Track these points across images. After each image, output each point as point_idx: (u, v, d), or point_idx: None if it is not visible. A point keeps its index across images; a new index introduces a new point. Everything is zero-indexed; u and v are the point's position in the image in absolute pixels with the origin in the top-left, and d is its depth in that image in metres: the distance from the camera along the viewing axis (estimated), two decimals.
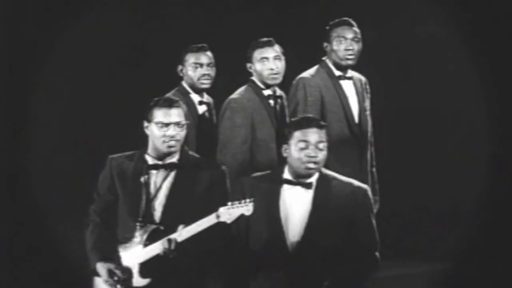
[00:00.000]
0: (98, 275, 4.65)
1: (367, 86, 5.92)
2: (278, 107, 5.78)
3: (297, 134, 4.62)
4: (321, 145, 4.61)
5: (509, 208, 6.57)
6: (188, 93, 5.89)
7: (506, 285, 6.21)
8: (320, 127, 4.63)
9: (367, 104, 5.88)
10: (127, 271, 4.58)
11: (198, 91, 5.91)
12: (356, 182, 4.72)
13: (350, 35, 5.70)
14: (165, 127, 4.67)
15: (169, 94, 5.82)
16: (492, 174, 6.70)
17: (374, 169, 5.91)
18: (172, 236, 4.51)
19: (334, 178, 4.69)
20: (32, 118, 6.52)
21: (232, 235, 4.63)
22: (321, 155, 4.62)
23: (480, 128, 6.94)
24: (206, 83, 5.87)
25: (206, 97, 5.97)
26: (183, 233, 4.50)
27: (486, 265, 6.35)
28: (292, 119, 4.83)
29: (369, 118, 5.86)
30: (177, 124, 4.69)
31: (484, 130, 6.87)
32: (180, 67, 5.89)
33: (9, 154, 6.39)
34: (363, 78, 5.91)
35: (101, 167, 4.86)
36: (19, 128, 6.45)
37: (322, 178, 4.66)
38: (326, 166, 5.40)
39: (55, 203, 6.50)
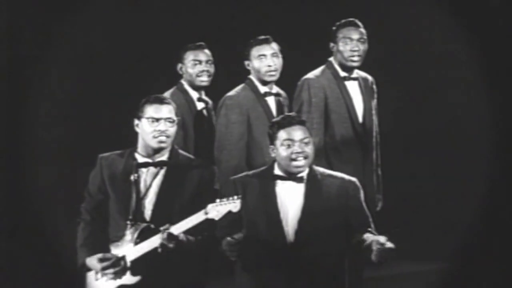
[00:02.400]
0: (87, 270, 4.66)
1: (374, 86, 5.90)
2: (275, 104, 5.79)
3: (281, 134, 4.67)
4: (306, 140, 4.66)
5: (510, 208, 6.52)
6: (187, 91, 5.95)
7: (505, 285, 6.17)
8: (301, 123, 4.69)
9: (374, 104, 5.86)
10: (118, 257, 4.58)
11: (197, 89, 5.96)
12: (346, 176, 4.79)
13: (356, 36, 5.69)
14: (156, 122, 4.68)
15: (168, 92, 5.91)
16: (493, 174, 6.65)
17: (379, 169, 5.90)
18: (168, 230, 4.50)
19: (324, 172, 4.77)
20: (30, 117, 6.52)
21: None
22: (308, 150, 4.67)
23: (484, 129, 6.89)
24: (205, 80, 5.94)
25: (205, 96, 6.02)
26: (172, 230, 4.50)
27: (486, 265, 6.31)
28: (273, 120, 4.88)
29: (375, 118, 5.85)
30: (168, 119, 4.70)
31: (488, 131, 6.82)
32: (179, 65, 5.97)
33: (9, 154, 6.41)
34: (370, 78, 5.89)
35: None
36: (18, 127, 6.46)
37: (312, 172, 4.72)
38: (330, 165, 5.48)
39: (55, 203, 6.51)
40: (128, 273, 4.59)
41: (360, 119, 5.76)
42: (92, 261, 4.62)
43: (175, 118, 4.73)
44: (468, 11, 6.65)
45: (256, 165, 5.42)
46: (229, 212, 4.49)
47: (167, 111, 4.71)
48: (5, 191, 6.36)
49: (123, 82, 6.78)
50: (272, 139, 4.70)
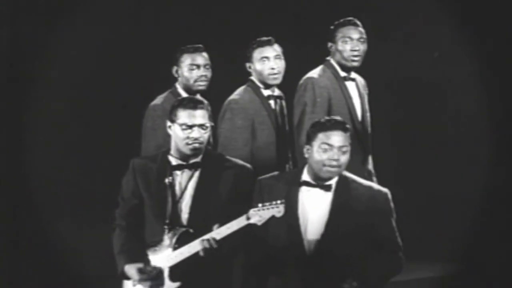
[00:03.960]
0: (126, 278, 4.53)
1: (366, 88, 5.91)
2: (277, 107, 5.74)
3: (320, 136, 4.51)
4: (344, 149, 4.51)
5: (509, 208, 6.63)
6: (181, 95, 5.72)
7: (505, 285, 6.25)
8: (344, 130, 4.53)
9: (367, 105, 5.87)
10: (158, 269, 4.47)
11: (192, 93, 5.76)
12: (376, 186, 4.68)
13: (356, 36, 5.64)
14: (189, 129, 4.55)
15: (161, 96, 5.74)
16: (493, 174, 6.75)
17: (372, 169, 5.90)
18: (210, 235, 4.39)
19: (354, 181, 4.62)
20: (31, 117, 6.41)
21: (253, 235, 4.53)
22: (344, 159, 4.52)
23: (480, 128, 7.00)
24: (202, 85, 5.72)
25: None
26: (213, 236, 4.40)
27: (486, 265, 6.39)
28: (317, 120, 4.67)
29: (369, 119, 5.85)
30: (201, 126, 4.57)
31: (485, 130, 6.93)
32: (175, 68, 5.74)
33: (9, 154, 6.30)
34: (362, 80, 5.90)
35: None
36: (19, 127, 6.36)
37: (342, 180, 4.58)
38: None
39: (55, 203, 6.41)
40: (167, 279, 4.47)
41: (360, 119, 5.76)
42: (131, 270, 4.48)
43: (208, 124, 4.61)
44: (468, 10, 6.77)
45: (260, 169, 5.21)
46: (272, 217, 4.39)
47: (201, 116, 4.58)
48: (7, 192, 6.25)
49: (123, 83, 6.69)
50: (310, 139, 4.54)
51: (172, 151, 4.64)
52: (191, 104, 4.60)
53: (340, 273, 4.46)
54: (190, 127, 4.55)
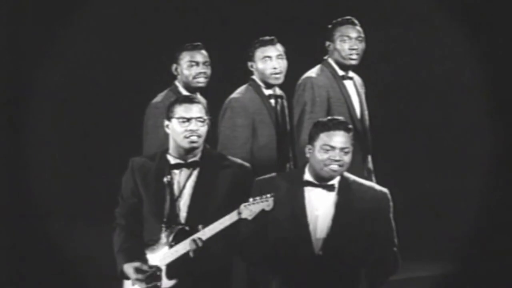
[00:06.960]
0: (126, 278, 4.57)
1: (363, 86, 5.91)
2: (278, 107, 5.73)
3: (322, 136, 4.51)
4: (346, 149, 4.52)
5: (509, 208, 6.64)
6: (181, 93, 5.74)
7: (506, 285, 6.27)
8: (347, 130, 4.54)
9: (365, 104, 5.88)
10: (155, 268, 4.51)
11: (192, 91, 5.79)
12: (377, 186, 4.69)
13: (354, 34, 5.65)
14: (186, 122, 4.61)
15: (161, 94, 5.77)
16: (493, 174, 6.76)
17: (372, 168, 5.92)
18: (196, 235, 4.43)
19: (355, 181, 4.63)
20: (31, 117, 6.42)
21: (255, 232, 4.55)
22: (346, 159, 4.53)
23: (481, 127, 7.00)
24: (201, 82, 5.76)
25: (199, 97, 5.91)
26: (206, 232, 4.44)
27: (486, 265, 6.40)
28: (319, 120, 4.67)
29: (367, 118, 5.86)
30: (199, 119, 4.63)
31: (485, 129, 6.93)
32: (174, 65, 5.77)
33: (9, 153, 6.31)
34: (359, 79, 5.90)
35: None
36: (19, 127, 6.37)
37: (344, 181, 4.59)
38: None
39: (55, 202, 6.42)
40: (164, 277, 4.51)
41: (359, 118, 5.77)
42: (129, 269, 4.53)
43: (205, 117, 4.67)
44: (468, 9, 6.78)
45: (260, 168, 5.27)
46: (262, 211, 4.41)
47: (197, 110, 4.64)
48: (7, 193, 6.27)
49: (122, 82, 6.69)
50: (312, 139, 4.54)
51: (171, 150, 4.68)
52: (187, 99, 4.70)
53: (346, 272, 4.49)
54: (188, 120, 4.61)
